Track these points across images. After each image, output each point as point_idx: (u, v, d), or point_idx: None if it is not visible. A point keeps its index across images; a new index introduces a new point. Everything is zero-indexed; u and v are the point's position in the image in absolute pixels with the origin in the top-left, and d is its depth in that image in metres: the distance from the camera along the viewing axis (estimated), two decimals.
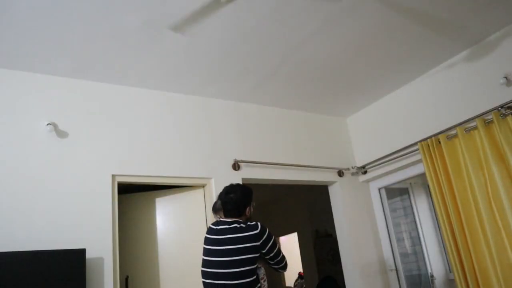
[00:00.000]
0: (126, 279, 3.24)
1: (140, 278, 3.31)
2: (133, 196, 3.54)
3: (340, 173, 4.22)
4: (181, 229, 3.42)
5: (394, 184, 4.20)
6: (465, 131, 3.24)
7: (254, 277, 2.24)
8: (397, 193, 4.51)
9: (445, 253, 4.18)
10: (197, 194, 3.49)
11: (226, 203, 2.44)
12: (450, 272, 4.14)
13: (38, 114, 2.89)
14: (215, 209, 2.64)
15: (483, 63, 3.25)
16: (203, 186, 3.48)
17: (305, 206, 6.79)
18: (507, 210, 2.90)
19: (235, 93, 3.70)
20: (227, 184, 3.43)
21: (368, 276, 3.93)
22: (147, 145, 3.24)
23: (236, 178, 3.54)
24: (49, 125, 2.84)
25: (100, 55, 2.87)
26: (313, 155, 4.12)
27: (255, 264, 2.27)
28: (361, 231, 4.09)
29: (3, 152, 2.70)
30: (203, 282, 2.32)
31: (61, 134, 2.93)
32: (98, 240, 2.78)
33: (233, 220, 2.38)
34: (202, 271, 2.34)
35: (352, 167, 4.30)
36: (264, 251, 2.30)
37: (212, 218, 3.33)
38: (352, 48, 3.17)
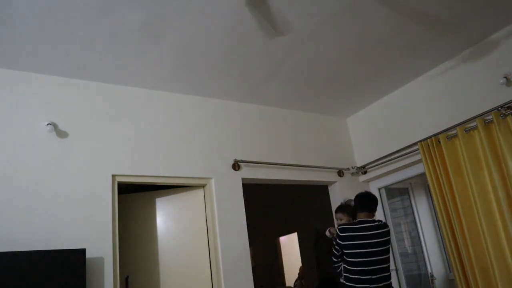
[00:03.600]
0: (126, 279, 3.24)
1: (140, 278, 3.31)
2: (133, 196, 3.54)
3: (340, 173, 4.22)
4: (181, 229, 3.42)
5: (394, 184, 4.20)
6: (465, 131, 3.24)
7: None
8: (397, 193, 4.51)
9: (445, 253, 4.18)
10: (197, 194, 3.49)
11: (374, 202, 3.07)
12: (450, 272, 4.14)
13: (38, 114, 2.89)
14: (349, 213, 3.16)
15: (483, 63, 3.25)
16: (203, 186, 3.48)
17: (305, 206, 6.79)
18: (506, 210, 2.90)
19: (235, 93, 3.70)
20: (227, 184, 3.47)
21: None
22: (147, 145, 3.24)
23: (236, 178, 3.54)
24: (49, 125, 2.84)
25: (100, 55, 2.87)
26: (313, 155, 4.12)
27: None
28: None
29: (3, 152, 2.70)
30: (358, 279, 2.78)
31: (61, 134, 2.93)
32: (98, 240, 2.78)
33: (373, 219, 2.98)
34: (354, 265, 2.83)
35: (352, 167, 4.30)
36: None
37: (214, 218, 3.34)
38: (352, 48, 3.17)
